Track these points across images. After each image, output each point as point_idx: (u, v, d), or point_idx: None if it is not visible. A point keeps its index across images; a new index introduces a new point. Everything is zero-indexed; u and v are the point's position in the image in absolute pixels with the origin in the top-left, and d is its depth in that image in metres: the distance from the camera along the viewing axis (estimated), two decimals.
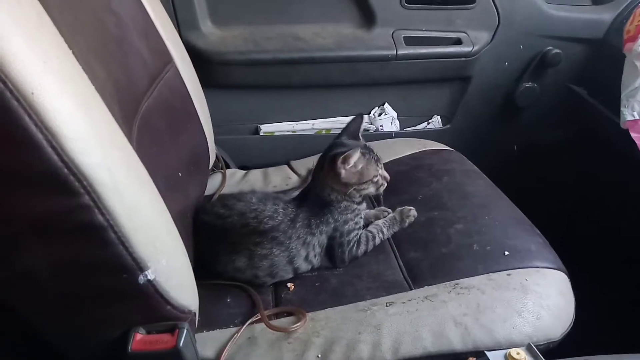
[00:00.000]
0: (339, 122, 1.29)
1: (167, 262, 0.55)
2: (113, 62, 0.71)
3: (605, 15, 1.23)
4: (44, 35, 0.46)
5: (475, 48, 1.22)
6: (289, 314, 0.74)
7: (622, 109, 0.97)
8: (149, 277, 0.52)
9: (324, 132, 1.30)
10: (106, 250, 0.49)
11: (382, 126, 1.30)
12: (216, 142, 1.11)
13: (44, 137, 0.42)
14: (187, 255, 0.63)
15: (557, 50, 1.24)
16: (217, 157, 1.13)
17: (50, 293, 0.52)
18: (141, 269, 0.51)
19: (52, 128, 0.42)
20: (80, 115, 0.46)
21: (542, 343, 0.70)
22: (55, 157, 0.43)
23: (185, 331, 0.56)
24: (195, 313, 0.63)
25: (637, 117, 0.94)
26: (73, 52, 0.52)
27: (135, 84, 0.76)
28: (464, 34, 1.22)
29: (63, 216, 0.46)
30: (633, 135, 0.94)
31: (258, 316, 0.73)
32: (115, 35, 0.74)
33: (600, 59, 1.24)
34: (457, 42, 1.22)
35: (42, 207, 0.46)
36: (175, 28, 1.03)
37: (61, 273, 0.50)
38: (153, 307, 0.55)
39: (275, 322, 0.73)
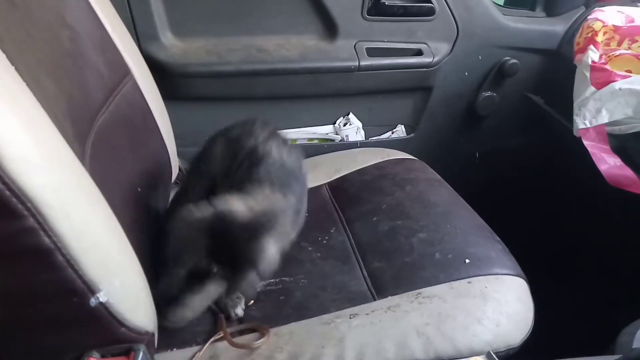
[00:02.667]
0: (304, 133, 1.30)
1: (120, 282, 0.54)
2: (66, 77, 0.69)
3: (558, 27, 1.28)
4: None
5: (436, 59, 1.24)
6: (253, 330, 0.74)
7: (574, 117, 1.00)
8: (101, 299, 0.51)
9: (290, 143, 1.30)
10: (54, 274, 0.47)
11: (347, 136, 1.31)
12: (180, 155, 1.09)
13: None
14: (143, 275, 0.62)
15: (514, 61, 1.28)
16: (180, 169, 1.12)
17: None
18: (92, 291, 0.50)
19: None
20: (23, 135, 0.45)
21: (502, 350, 0.72)
22: None
23: (141, 353, 0.55)
24: (153, 333, 0.62)
25: (588, 126, 0.98)
26: (18, 69, 0.50)
27: (90, 99, 0.74)
28: (425, 45, 1.25)
29: (7, 240, 0.45)
30: (585, 142, 0.98)
31: (221, 334, 0.72)
32: (69, 50, 0.73)
33: (555, 69, 1.28)
34: (418, 53, 1.24)
35: None
36: (135, 40, 1.01)
37: (8, 298, 0.48)
38: (107, 330, 0.53)
39: (238, 339, 0.71)
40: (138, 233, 0.73)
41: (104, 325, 0.53)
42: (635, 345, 0.62)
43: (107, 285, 0.51)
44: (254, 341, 0.70)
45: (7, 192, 0.42)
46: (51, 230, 0.45)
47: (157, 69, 1.07)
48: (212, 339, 0.71)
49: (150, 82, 0.98)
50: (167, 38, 1.13)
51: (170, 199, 0.97)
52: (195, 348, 0.71)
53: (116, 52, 0.87)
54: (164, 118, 1.00)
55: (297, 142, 1.30)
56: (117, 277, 0.53)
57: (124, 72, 0.88)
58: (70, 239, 0.47)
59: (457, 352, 0.69)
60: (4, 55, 0.48)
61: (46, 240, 0.45)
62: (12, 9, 0.60)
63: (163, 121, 0.99)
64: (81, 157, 0.60)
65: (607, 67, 0.98)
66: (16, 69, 0.50)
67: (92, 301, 0.50)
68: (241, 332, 0.73)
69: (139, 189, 0.81)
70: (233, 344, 0.69)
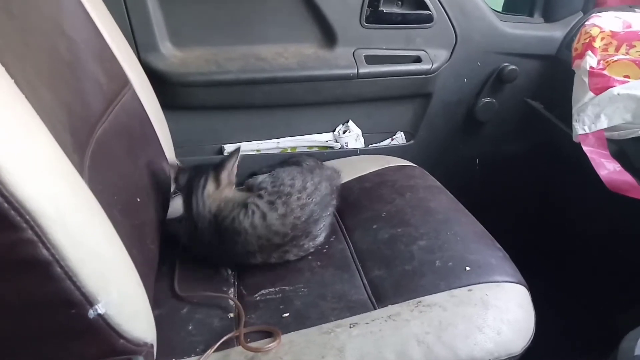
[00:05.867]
0: (304, 140, 1.30)
1: (118, 294, 0.53)
2: (65, 87, 0.69)
3: (557, 32, 1.29)
4: None
5: (435, 65, 1.25)
6: (268, 334, 0.73)
7: (573, 123, 1.00)
8: (99, 311, 0.50)
9: (289, 151, 1.30)
10: (52, 286, 0.47)
11: (347, 143, 1.31)
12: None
13: None
14: (142, 285, 0.62)
15: (513, 67, 1.29)
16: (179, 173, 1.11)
17: None
18: (90, 303, 0.49)
19: None
20: (22, 146, 0.45)
21: (503, 358, 0.71)
22: None
23: None
24: (152, 344, 0.61)
25: (587, 131, 0.97)
26: (17, 81, 0.50)
27: (89, 109, 0.74)
28: (424, 52, 1.25)
29: (5, 252, 0.44)
30: (585, 148, 0.97)
31: (230, 335, 0.72)
32: (67, 60, 0.73)
33: (554, 74, 1.29)
34: (417, 60, 1.25)
35: None
36: (134, 50, 1.02)
37: (4, 311, 0.48)
38: (105, 341, 0.53)
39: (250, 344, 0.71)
40: (137, 243, 0.73)
41: (103, 337, 0.52)
42: (637, 352, 0.62)
43: (106, 296, 0.51)
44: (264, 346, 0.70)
45: (6, 205, 0.42)
46: (49, 242, 0.45)
47: (156, 78, 1.07)
48: (223, 339, 0.71)
49: (150, 91, 0.98)
50: (166, 47, 1.14)
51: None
52: (194, 358, 0.70)
53: (115, 61, 0.87)
54: (163, 127, 1.00)
55: (297, 150, 1.30)
56: (115, 288, 0.53)
57: (123, 82, 0.88)
58: (68, 251, 0.47)
59: None
60: (2, 68, 0.48)
61: (44, 252, 0.45)
62: (10, 19, 0.60)
63: (162, 130, 0.99)
64: (80, 168, 0.60)
65: (606, 72, 0.98)
66: (15, 80, 0.50)
67: (91, 313, 0.50)
68: (249, 337, 0.73)
69: (138, 199, 0.81)
70: (245, 347, 0.69)
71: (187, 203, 0.91)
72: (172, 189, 1.04)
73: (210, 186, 0.90)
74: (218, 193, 0.91)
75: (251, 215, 0.85)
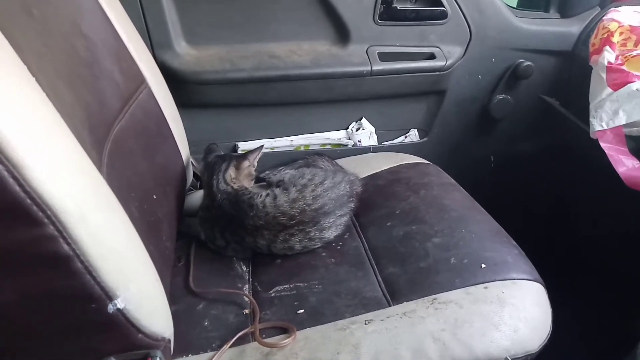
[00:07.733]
0: (317, 138, 1.30)
1: (137, 289, 0.54)
2: (83, 86, 0.70)
3: (573, 28, 1.27)
4: (4, 65, 0.46)
5: (449, 62, 1.24)
6: (283, 330, 0.74)
7: (591, 119, 0.99)
8: (118, 305, 0.51)
9: (302, 148, 1.30)
10: (73, 280, 0.48)
11: (360, 141, 1.31)
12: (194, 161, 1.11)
13: (5, 167, 0.41)
14: (159, 281, 0.62)
15: (529, 63, 1.27)
16: (196, 176, 1.13)
17: (17, 326, 0.50)
18: (110, 297, 0.50)
19: (13, 159, 0.42)
20: (43, 144, 0.46)
21: (520, 356, 0.71)
22: (17, 187, 0.42)
23: (157, 359, 0.55)
24: (169, 339, 0.62)
25: (605, 128, 0.96)
26: (38, 80, 0.51)
27: (106, 107, 0.75)
28: (437, 49, 1.24)
29: (27, 247, 0.45)
30: (602, 145, 0.96)
31: (246, 331, 0.73)
32: (85, 59, 0.74)
33: (570, 70, 1.27)
34: (431, 56, 1.24)
35: (4, 238, 0.45)
36: (149, 49, 1.03)
37: (27, 305, 0.49)
38: (124, 336, 0.54)
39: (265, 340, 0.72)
40: (153, 239, 0.74)
41: (122, 331, 0.53)
42: None
43: (124, 291, 0.52)
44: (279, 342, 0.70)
45: (28, 200, 0.43)
46: (70, 237, 0.46)
47: (171, 76, 1.08)
48: (238, 335, 0.72)
49: (165, 90, 0.99)
50: (181, 46, 1.15)
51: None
52: (210, 353, 0.71)
53: (131, 61, 0.88)
54: (178, 125, 1.01)
55: (310, 147, 1.30)
56: (134, 283, 0.54)
57: (139, 80, 0.89)
58: (89, 246, 0.47)
59: (475, 358, 0.68)
60: (25, 67, 0.49)
61: (65, 247, 0.46)
62: (30, 19, 0.61)
63: (177, 128, 1.00)
64: (98, 165, 0.61)
65: (624, 67, 0.96)
66: (35, 79, 0.51)
67: (110, 307, 0.51)
68: (264, 332, 0.73)
69: (154, 196, 0.82)
70: (261, 342, 0.70)
71: (208, 182, 0.95)
72: (187, 186, 1.05)
73: (231, 170, 0.95)
74: (237, 180, 0.95)
75: (265, 196, 0.89)
